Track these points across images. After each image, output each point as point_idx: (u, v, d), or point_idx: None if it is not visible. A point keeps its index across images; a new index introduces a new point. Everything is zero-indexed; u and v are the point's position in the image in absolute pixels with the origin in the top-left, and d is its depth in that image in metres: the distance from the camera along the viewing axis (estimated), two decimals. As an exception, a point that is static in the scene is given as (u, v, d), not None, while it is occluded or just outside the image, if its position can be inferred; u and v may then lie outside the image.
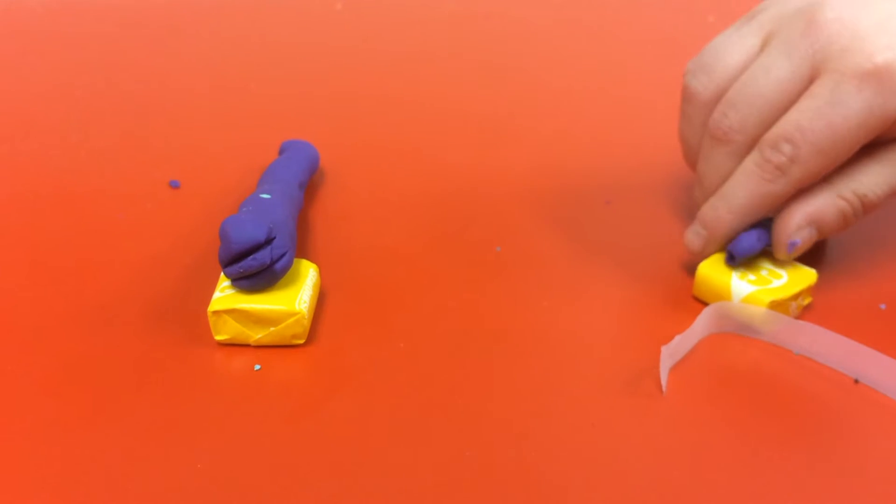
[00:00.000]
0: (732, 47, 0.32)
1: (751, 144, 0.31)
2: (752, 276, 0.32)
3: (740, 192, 0.31)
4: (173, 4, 0.69)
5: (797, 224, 0.31)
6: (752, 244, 0.32)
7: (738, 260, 0.32)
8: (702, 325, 0.31)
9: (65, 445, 0.26)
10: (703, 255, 0.33)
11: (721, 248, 0.33)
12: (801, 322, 0.30)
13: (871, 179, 0.31)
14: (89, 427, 0.26)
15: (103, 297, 0.33)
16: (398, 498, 0.24)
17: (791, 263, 0.33)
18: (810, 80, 0.30)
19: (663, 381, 0.29)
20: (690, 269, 0.34)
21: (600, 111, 0.52)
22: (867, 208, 0.32)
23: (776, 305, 0.31)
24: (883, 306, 0.33)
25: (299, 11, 0.69)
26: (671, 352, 0.29)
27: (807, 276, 0.32)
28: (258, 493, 0.24)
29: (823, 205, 0.31)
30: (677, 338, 0.29)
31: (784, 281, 0.32)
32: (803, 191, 0.31)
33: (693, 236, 0.33)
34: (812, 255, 0.36)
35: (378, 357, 0.30)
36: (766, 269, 0.33)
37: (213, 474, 0.25)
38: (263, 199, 0.33)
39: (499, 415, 0.28)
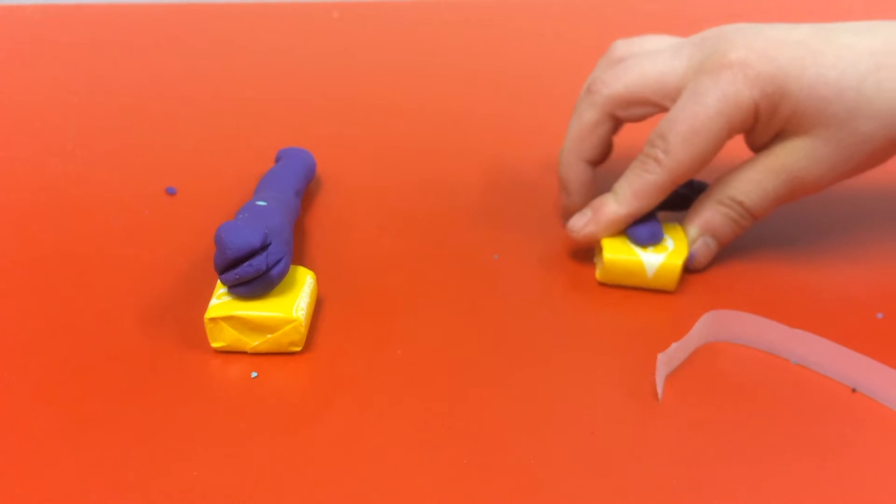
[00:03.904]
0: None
1: (609, 105, 0.35)
2: (650, 248, 0.34)
3: (625, 183, 0.35)
4: (171, 12, 0.69)
5: (692, 237, 0.35)
6: (655, 233, 0.34)
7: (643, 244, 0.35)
8: (698, 332, 0.31)
9: (60, 451, 0.26)
10: (582, 237, 0.35)
11: (604, 235, 0.35)
12: (798, 331, 0.31)
13: (743, 185, 0.34)
14: (85, 433, 0.26)
15: (99, 303, 0.33)
16: (395, 506, 0.24)
17: (666, 227, 0.36)
18: (684, 80, 0.34)
19: (659, 389, 0.29)
20: (579, 257, 0.37)
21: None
22: (751, 213, 0.35)
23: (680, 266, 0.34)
24: (880, 315, 0.33)
25: (296, 20, 0.69)
26: (667, 359, 0.29)
27: (674, 228, 0.36)
28: (254, 502, 0.24)
29: (710, 214, 0.35)
30: (674, 345, 0.29)
31: (673, 244, 0.35)
32: (695, 208, 0.36)
33: (580, 217, 0.36)
34: (811, 262, 0.36)
35: (376, 364, 0.30)
36: None
37: (209, 482, 0.25)
38: (259, 205, 0.33)
39: (497, 422, 0.27)
